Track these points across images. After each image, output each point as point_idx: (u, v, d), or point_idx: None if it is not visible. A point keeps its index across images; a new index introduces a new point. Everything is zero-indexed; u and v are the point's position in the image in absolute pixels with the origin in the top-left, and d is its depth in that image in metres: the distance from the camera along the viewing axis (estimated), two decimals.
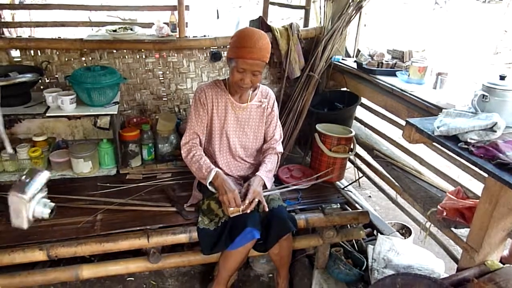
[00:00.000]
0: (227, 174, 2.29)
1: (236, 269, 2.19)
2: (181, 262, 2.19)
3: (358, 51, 2.96)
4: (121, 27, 2.84)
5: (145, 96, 2.97)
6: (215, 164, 2.28)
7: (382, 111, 2.69)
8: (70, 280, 2.27)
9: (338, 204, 2.41)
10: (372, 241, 2.47)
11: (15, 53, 2.68)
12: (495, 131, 1.38)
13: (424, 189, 2.12)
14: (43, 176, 0.83)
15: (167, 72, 2.95)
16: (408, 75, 2.41)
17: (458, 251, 2.35)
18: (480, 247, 1.58)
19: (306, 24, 3.21)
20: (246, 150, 2.32)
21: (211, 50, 2.95)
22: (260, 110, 2.27)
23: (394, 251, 2.21)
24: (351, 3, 2.77)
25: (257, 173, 2.15)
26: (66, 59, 2.75)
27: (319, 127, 2.62)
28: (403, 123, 2.00)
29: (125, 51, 2.82)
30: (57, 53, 2.72)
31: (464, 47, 8.93)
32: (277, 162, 2.33)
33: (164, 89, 2.99)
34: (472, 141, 1.39)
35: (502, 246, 1.62)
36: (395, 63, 2.62)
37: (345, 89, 3.02)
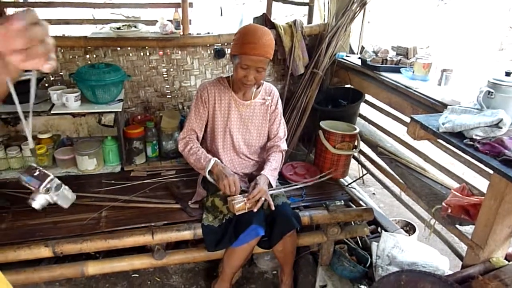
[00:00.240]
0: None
1: (240, 266, 2.19)
2: (186, 259, 2.19)
3: (362, 47, 2.96)
4: (125, 25, 2.85)
5: (149, 94, 2.97)
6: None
7: (387, 108, 2.68)
8: (75, 277, 2.27)
9: (342, 201, 2.41)
10: (376, 238, 2.47)
11: None
12: (501, 128, 1.38)
13: (429, 186, 2.12)
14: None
15: (171, 70, 2.95)
16: (413, 72, 2.40)
17: (462, 248, 2.35)
18: (485, 244, 1.57)
19: (310, 21, 3.20)
20: (250, 148, 2.32)
21: (215, 47, 2.95)
22: (264, 108, 2.26)
23: (399, 248, 2.20)
24: (355, 0, 2.76)
25: (262, 172, 2.15)
26: (71, 57, 2.76)
27: (323, 124, 2.61)
28: (407, 120, 1.99)
29: (129, 48, 2.82)
30: (62, 50, 2.73)
31: (469, 44, 8.88)
32: (282, 160, 2.33)
33: (168, 86, 2.99)
34: (478, 138, 1.38)
35: (507, 243, 1.61)
36: (400, 59, 2.61)
37: (349, 86, 3.02)
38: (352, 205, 2.45)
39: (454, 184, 2.09)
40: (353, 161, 2.91)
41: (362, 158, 3.16)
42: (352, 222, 2.44)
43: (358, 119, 3.07)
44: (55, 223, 2.07)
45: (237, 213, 1.97)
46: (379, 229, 2.65)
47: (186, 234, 2.06)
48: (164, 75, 2.96)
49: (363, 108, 3.06)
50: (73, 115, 2.77)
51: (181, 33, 2.87)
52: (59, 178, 1.23)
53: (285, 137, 2.37)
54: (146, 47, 2.84)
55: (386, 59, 2.61)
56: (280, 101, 2.33)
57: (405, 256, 2.15)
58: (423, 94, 2.15)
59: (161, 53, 2.88)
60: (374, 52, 2.70)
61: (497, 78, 1.57)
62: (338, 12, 2.87)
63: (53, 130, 2.82)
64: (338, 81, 3.13)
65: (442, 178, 2.22)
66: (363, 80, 2.75)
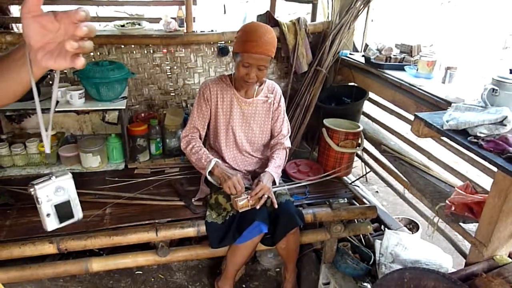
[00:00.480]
0: (234, 169, 2.30)
1: (243, 263, 2.20)
2: (189, 256, 2.20)
3: (366, 45, 2.95)
4: (129, 22, 2.85)
5: (152, 91, 2.98)
6: (222, 159, 2.29)
7: (390, 105, 2.68)
8: (79, 273, 2.29)
9: (346, 199, 2.41)
10: (380, 236, 2.47)
11: None
12: (505, 125, 1.37)
13: (433, 184, 2.11)
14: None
15: (175, 67, 2.95)
16: (417, 70, 2.40)
17: (466, 246, 2.35)
18: (489, 242, 1.57)
19: (313, 18, 3.20)
20: (253, 145, 2.33)
21: (219, 45, 2.95)
22: (266, 106, 2.26)
23: (402, 246, 2.20)
24: None
25: (266, 169, 2.15)
26: None
27: (326, 122, 2.61)
28: (411, 118, 1.99)
29: (133, 46, 2.82)
30: None
31: (473, 42, 8.85)
32: (285, 157, 2.33)
33: (171, 84, 3.00)
34: (482, 135, 1.38)
35: (511, 241, 1.61)
36: (404, 57, 2.60)
37: (352, 83, 3.01)
38: (356, 203, 2.45)
39: (458, 182, 2.09)
40: (356, 159, 2.91)
41: (366, 156, 3.16)
42: (356, 220, 2.44)
43: (362, 117, 3.07)
44: None
45: (240, 210, 1.97)
46: (382, 227, 2.66)
47: (189, 231, 2.07)
48: (168, 73, 2.97)
49: (367, 106, 3.06)
50: (77, 112, 2.78)
51: (185, 31, 2.87)
52: None
53: (289, 134, 2.37)
54: (150, 45, 2.84)
55: (390, 57, 2.61)
56: (283, 98, 2.33)
57: (408, 254, 2.15)
58: (427, 92, 2.15)
59: (164, 50, 2.88)
60: (378, 50, 2.70)
61: (502, 75, 1.56)
62: (342, 9, 2.87)
63: (57, 128, 2.83)
64: (341, 79, 3.13)
65: (446, 176, 2.21)
66: (366, 78, 2.75)
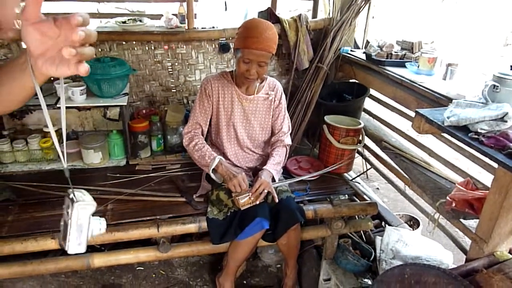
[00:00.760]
0: (235, 166, 2.31)
1: (244, 259, 2.21)
2: (190, 252, 2.21)
3: (367, 42, 2.95)
4: (131, 19, 2.85)
5: (154, 88, 2.98)
6: (224, 155, 2.29)
7: (391, 102, 2.68)
8: (81, 269, 2.30)
9: (347, 195, 2.42)
10: (380, 233, 2.47)
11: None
12: (506, 121, 1.37)
13: (433, 180, 2.11)
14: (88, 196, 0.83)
15: (176, 64, 2.95)
16: (418, 66, 2.40)
17: (466, 242, 2.35)
18: (489, 238, 1.58)
19: (314, 15, 3.20)
20: (253, 142, 2.33)
21: (220, 41, 2.95)
22: (267, 103, 2.27)
23: (402, 242, 2.21)
24: None
25: (265, 167, 2.16)
26: None
27: (327, 118, 2.61)
28: (412, 114, 1.99)
29: (134, 42, 2.82)
30: None
31: (474, 39, 8.83)
32: (286, 155, 2.33)
33: (173, 80, 3.00)
34: (483, 131, 1.38)
35: (511, 237, 1.61)
36: (405, 54, 2.60)
37: (353, 80, 3.01)
38: (356, 199, 2.46)
39: (459, 179, 2.09)
40: (357, 155, 2.91)
41: (367, 153, 3.17)
42: (356, 216, 2.45)
43: (363, 114, 3.07)
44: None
45: (242, 208, 1.98)
46: (383, 223, 2.66)
47: (191, 227, 2.08)
48: (169, 69, 2.97)
49: (368, 103, 3.06)
50: (79, 108, 2.78)
51: (186, 28, 2.87)
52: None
53: (289, 131, 2.37)
54: (151, 41, 2.84)
55: (391, 54, 2.61)
56: (283, 95, 2.33)
57: (409, 250, 2.16)
58: (428, 89, 2.15)
59: (166, 47, 2.88)
60: (379, 46, 2.70)
61: (502, 72, 1.56)
62: (343, 6, 2.87)
63: (59, 124, 2.83)
64: (342, 75, 3.13)
65: (447, 172, 2.22)
66: (368, 74, 2.75)
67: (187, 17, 2.87)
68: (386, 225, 2.54)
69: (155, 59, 2.90)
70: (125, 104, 2.48)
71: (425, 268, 1.52)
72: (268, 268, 2.66)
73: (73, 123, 2.90)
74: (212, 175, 2.12)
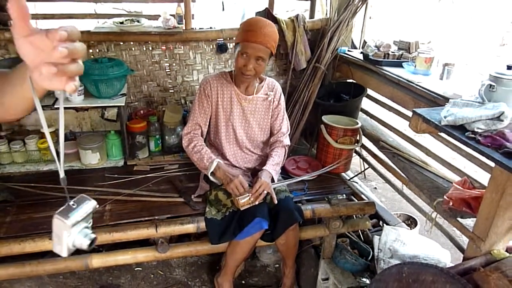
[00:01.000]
0: (234, 166, 2.31)
1: (243, 259, 2.21)
2: (189, 252, 2.21)
3: (365, 42, 2.96)
4: (128, 19, 2.85)
5: (151, 88, 2.98)
6: (223, 155, 2.30)
7: (389, 102, 2.69)
8: (79, 269, 2.30)
9: (344, 195, 2.43)
10: (378, 232, 2.48)
11: None
12: (502, 121, 1.39)
13: (431, 179, 2.13)
14: (90, 205, 0.81)
15: (174, 64, 2.95)
16: (415, 66, 2.41)
17: (463, 241, 2.36)
18: (486, 237, 1.59)
19: (312, 15, 3.21)
20: (252, 142, 2.33)
21: (217, 42, 2.95)
22: (266, 103, 2.27)
23: (400, 242, 2.22)
24: None
25: (264, 167, 2.16)
26: None
27: (325, 118, 2.62)
28: (409, 114, 2.00)
29: (132, 43, 2.82)
30: None
31: (470, 39, 8.86)
32: (284, 155, 2.33)
33: (170, 81, 3.00)
34: (479, 131, 1.39)
35: (508, 235, 1.62)
36: (402, 54, 2.61)
37: (351, 80, 3.02)
38: (354, 199, 2.47)
39: (456, 178, 2.10)
40: (354, 155, 2.92)
41: (364, 153, 3.17)
42: (354, 216, 2.45)
43: (360, 114, 3.08)
44: None
45: (241, 208, 1.98)
46: (380, 222, 2.67)
47: (189, 227, 2.08)
48: (167, 70, 2.97)
49: (365, 103, 3.07)
50: (76, 109, 2.78)
51: (184, 28, 2.87)
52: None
53: (288, 132, 2.38)
54: (149, 42, 2.84)
55: (388, 54, 2.62)
56: (283, 96, 2.34)
57: (406, 249, 2.16)
58: (425, 88, 2.16)
59: (163, 47, 2.88)
60: (376, 46, 2.70)
61: (499, 71, 1.58)
62: (340, 6, 2.88)
63: (56, 125, 2.82)
64: (340, 75, 3.13)
65: (444, 171, 2.23)
66: (365, 74, 2.76)
67: (185, 18, 2.87)
68: (384, 225, 2.55)
69: (152, 60, 2.90)
70: (123, 104, 2.48)
71: (423, 267, 1.53)
72: (266, 268, 2.67)
73: (71, 123, 2.90)
74: (211, 178, 2.13)
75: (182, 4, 2.88)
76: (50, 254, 2.21)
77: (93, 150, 2.54)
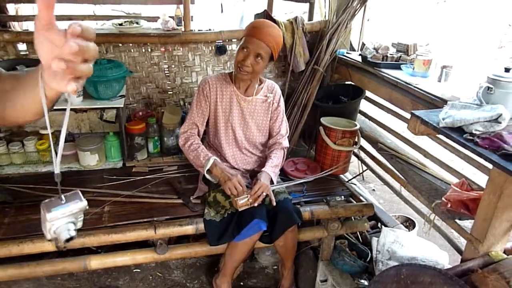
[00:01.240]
0: (233, 168, 2.31)
1: (242, 260, 2.21)
2: (188, 253, 2.21)
3: (363, 44, 2.97)
4: (127, 21, 2.85)
5: (150, 90, 2.98)
6: (222, 157, 2.30)
7: (387, 104, 2.70)
8: (78, 271, 2.30)
9: (343, 196, 2.43)
10: (377, 234, 2.49)
11: (22, 47, 2.69)
12: (500, 123, 1.39)
13: (429, 181, 2.13)
14: (77, 206, 0.81)
15: (173, 66, 2.96)
16: (413, 68, 2.41)
17: (461, 243, 2.37)
18: (484, 238, 1.59)
19: (310, 17, 3.22)
20: (251, 143, 2.34)
21: (216, 43, 2.95)
22: (266, 105, 2.27)
23: (398, 243, 2.22)
24: None
25: (263, 169, 2.16)
26: None
27: (323, 120, 2.63)
28: (407, 116, 2.00)
29: (130, 44, 2.82)
30: None
31: (468, 41, 8.89)
32: (283, 157, 2.34)
33: (169, 82, 3.00)
34: (477, 133, 1.40)
35: (506, 237, 1.63)
36: (400, 56, 2.62)
37: (349, 82, 3.03)
38: (353, 200, 2.47)
39: (454, 180, 2.11)
40: (353, 157, 2.93)
41: (362, 154, 3.18)
42: (353, 218, 2.46)
43: (359, 116, 3.08)
44: None
45: (240, 209, 1.98)
46: (379, 224, 2.68)
47: (188, 229, 2.08)
48: (166, 72, 2.97)
49: (364, 105, 3.07)
50: (75, 110, 2.78)
51: (183, 30, 2.88)
52: (61, 173, 0.98)
53: (287, 134, 2.39)
54: (148, 44, 2.84)
55: (387, 56, 2.63)
56: (282, 98, 2.35)
57: (405, 251, 2.17)
58: (423, 90, 2.17)
59: (162, 49, 2.89)
60: (374, 49, 2.71)
61: (497, 74, 1.58)
62: (339, 9, 2.88)
63: (55, 126, 2.82)
64: (338, 77, 3.14)
65: (442, 173, 2.24)
66: (363, 76, 2.76)
67: (184, 19, 2.87)
68: (382, 226, 2.55)
69: (151, 61, 2.90)
70: (122, 106, 2.48)
71: (421, 269, 1.54)
72: (265, 270, 2.67)
73: (70, 125, 2.89)
74: (208, 176, 2.13)
75: (181, 6, 2.88)
76: (48, 256, 2.22)
77: (92, 152, 2.54)
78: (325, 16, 3.07)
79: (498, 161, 1.26)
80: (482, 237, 1.60)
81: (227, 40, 2.95)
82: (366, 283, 2.25)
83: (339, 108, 2.92)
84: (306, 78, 2.98)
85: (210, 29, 3.00)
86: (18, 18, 3.55)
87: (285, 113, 2.41)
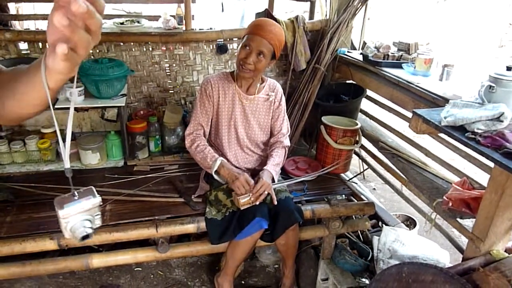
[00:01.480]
0: (235, 167, 2.31)
1: (243, 259, 2.21)
2: (189, 252, 2.21)
3: (364, 43, 2.97)
4: (128, 20, 2.85)
5: (151, 89, 2.99)
6: (223, 156, 2.30)
7: (388, 103, 2.70)
8: (80, 269, 2.30)
9: (344, 195, 2.44)
10: (378, 232, 2.49)
11: (23, 46, 2.69)
12: (502, 121, 1.39)
13: (430, 180, 2.13)
14: (90, 202, 0.80)
15: (174, 65, 2.96)
16: (414, 67, 2.41)
17: (463, 242, 2.37)
18: (486, 237, 1.60)
19: (311, 16, 3.21)
20: (252, 142, 2.34)
21: (217, 42, 2.96)
22: (267, 104, 2.28)
23: (399, 242, 2.22)
24: None
25: (265, 167, 2.17)
26: None
27: (325, 119, 2.63)
28: (409, 115, 2.01)
29: (132, 43, 2.83)
30: None
31: (469, 40, 8.88)
32: (284, 156, 2.34)
33: (170, 81, 3.01)
34: (479, 131, 1.40)
35: (507, 236, 1.63)
36: (401, 55, 2.62)
37: (350, 81, 3.03)
38: (354, 199, 2.48)
39: (455, 178, 2.11)
40: (354, 156, 2.93)
41: (363, 153, 3.18)
42: (354, 216, 2.46)
43: (360, 114, 3.09)
44: None
45: (242, 208, 1.99)
46: (380, 223, 2.68)
47: (189, 227, 2.08)
48: (167, 71, 2.97)
49: (365, 104, 3.08)
50: (77, 109, 2.78)
51: (184, 29, 2.88)
52: (63, 172, 0.95)
53: (288, 133, 2.39)
54: (149, 43, 2.85)
55: (388, 55, 2.62)
56: (284, 97, 2.35)
57: (406, 250, 2.17)
58: (424, 89, 2.17)
59: (163, 48, 2.89)
60: (375, 47, 2.71)
61: (498, 72, 1.58)
62: (340, 8, 2.88)
63: (57, 125, 2.83)
64: (339, 76, 3.14)
65: (443, 172, 2.24)
66: (364, 75, 2.76)
67: (185, 18, 2.88)
68: (383, 225, 2.55)
69: (152, 60, 2.90)
70: (123, 105, 2.48)
71: (422, 267, 1.54)
72: (266, 268, 2.67)
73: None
74: (216, 177, 2.13)
75: (182, 5, 2.88)
76: (50, 254, 2.22)
77: (93, 151, 2.54)
78: (326, 15, 3.07)
79: (500, 160, 1.27)
80: (484, 236, 1.60)
81: (228, 39, 2.95)
82: (367, 282, 2.25)
83: (340, 107, 2.93)
84: (307, 77, 2.98)
85: (211, 28, 3.00)
86: (19, 17, 3.55)
87: (287, 112, 2.42)
